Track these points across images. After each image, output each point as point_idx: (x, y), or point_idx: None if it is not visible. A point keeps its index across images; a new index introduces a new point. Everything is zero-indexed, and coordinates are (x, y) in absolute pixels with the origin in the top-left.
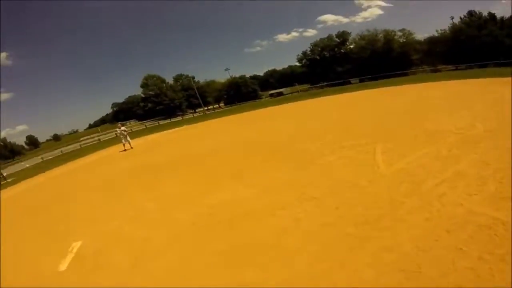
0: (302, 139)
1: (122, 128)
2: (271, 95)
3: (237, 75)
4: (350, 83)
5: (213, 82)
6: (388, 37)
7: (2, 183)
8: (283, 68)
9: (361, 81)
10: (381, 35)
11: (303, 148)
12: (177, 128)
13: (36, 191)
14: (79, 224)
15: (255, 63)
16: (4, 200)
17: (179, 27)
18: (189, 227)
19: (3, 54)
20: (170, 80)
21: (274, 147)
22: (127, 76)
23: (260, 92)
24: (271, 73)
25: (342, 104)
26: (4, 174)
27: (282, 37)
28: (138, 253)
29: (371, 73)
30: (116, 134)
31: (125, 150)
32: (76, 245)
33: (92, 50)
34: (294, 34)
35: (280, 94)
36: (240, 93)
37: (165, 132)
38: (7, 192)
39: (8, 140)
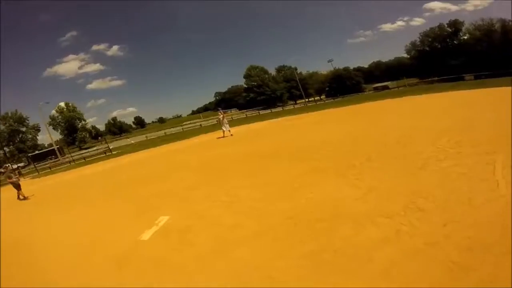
0: (413, 139)
1: (222, 115)
2: (376, 88)
3: (340, 66)
4: (463, 79)
5: (315, 73)
6: (507, 27)
7: (107, 154)
8: (389, 60)
9: (477, 77)
10: (497, 25)
11: (415, 149)
12: (278, 119)
13: (136, 165)
14: (170, 200)
15: (358, 54)
16: (105, 170)
17: (282, 18)
18: (282, 220)
19: (115, 47)
20: (272, 71)
21: (382, 146)
22: (231, 67)
23: (364, 85)
24: (376, 65)
25: (457, 102)
26: (110, 147)
27: (387, 26)
28: (222, 238)
29: (487, 68)
30: (217, 121)
31: (223, 136)
32: (163, 219)
33: (198, 42)
34: (399, 23)
35: (386, 87)
36: (343, 86)
37: (265, 122)
38: (110, 163)
39: (118, 119)
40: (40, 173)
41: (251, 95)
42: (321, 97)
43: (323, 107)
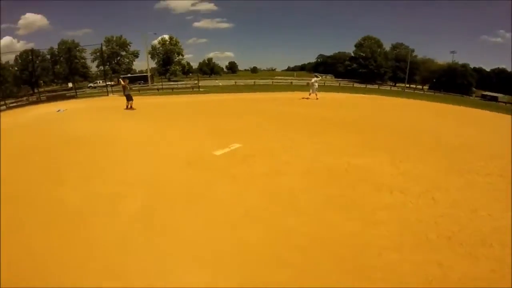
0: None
1: (315, 79)
2: (483, 96)
3: (461, 62)
4: None
5: (430, 61)
6: None
7: (194, 89)
8: None
9: None
10: None
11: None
12: (368, 95)
13: (220, 104)
14: (245, 134)
15: (488, 55)
16: (192, 102)
17: None
18: (321, 171)
19: None
20: (387, 46)
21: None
22: (344, 32)
23: (474, 89)
24: (499, 72)
25: None
26: (199, 84)
27: None
28: (274, 168)
29: None
30: (308, 83)
31: (308, 98)
32: (235, 145)
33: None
34: None
35: (494, 98)
36: (452, 83)
37: (357, 95)
38: (195, 98)
39: (213, 61)
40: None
41: (354, 65)
42: (423, 87)
43: (418, 96)
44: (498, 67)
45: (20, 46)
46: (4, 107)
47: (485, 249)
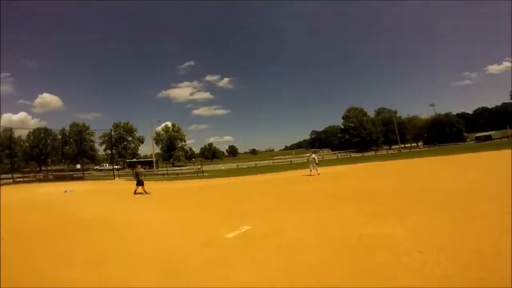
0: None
1: (313, 155)
2: (477, 138)
3: (443, 111)
4: None
5: (415, 118)
6: None
7: (198, 174)
8: (496, 106)
9: None
10: None
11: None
12: (368, 163)
13: (226, 187)
14: (253, 216)
15: (463, 98)
16: (198, 187)
17: (385, 58)
18: (341, 248)
19: (226, 79)
20: (371, 114)
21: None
22: (330, 107)
23: (465, 134)
24: (481, 112)
25: None
26: (202, 169)
27: (493, 68)
28: (286, 247)
29: None
30: (307, 159)
31: (310, 175)
32: (245, 227)
33: (300, 80)
34: (507, 64)
35: (488, 138)
36: (443, 133)
37: (355, 165)
38: (201, 182)
39: (213, 145)
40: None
41: (346, 136)
42: (418, 143)
43: (415, 155)
44: (478, 107)
45: (34, 123)
46: (11, 180)
47: None
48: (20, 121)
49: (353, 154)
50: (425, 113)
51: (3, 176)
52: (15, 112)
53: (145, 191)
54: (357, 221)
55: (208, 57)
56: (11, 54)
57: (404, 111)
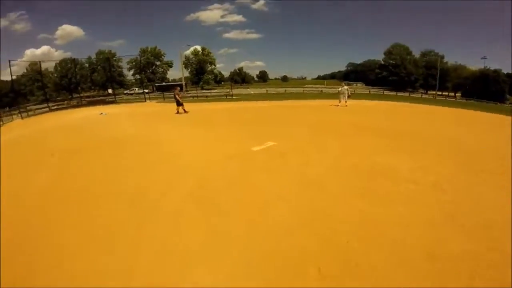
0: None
1: (345, 87)
2: None
3: (494, 67)
4: None
5: (461, 67)
6: None
7: (227, 97)
8: None
9: None
10: None
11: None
12: (398, 102)
13: (254, 110)
14: (278, 135)
15: None
16: (230, 108)
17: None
18: (347, 167)
19: (261, 1)
20: (417, 54)
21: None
22: (372, 40)
23: (508, 96)
24: None
25: None
26: (231, 93)
27: None
28: (305, 161)
29: None
30: (338, 90)
31: (337, 105)
32: (270, 143)
33: (343, 7)
34: None
35: None
36: (486, 89)
37: (385, 102)
38: (230, 105)
39: (244, 70)
40: (165, 99)
41: (384, 73)
42: (456, 94)
43: (449, 104)
44: None
45: (58, 55)
46: (47, 109)
47: (485, 230)
48: (43, 54)
49: (386, 92)
50: (474, 65)
51: (38, 106)
52: (37, 47)
53: (184, 110)
54: (372, 151)
55: None
56: None
57: (452, 58)
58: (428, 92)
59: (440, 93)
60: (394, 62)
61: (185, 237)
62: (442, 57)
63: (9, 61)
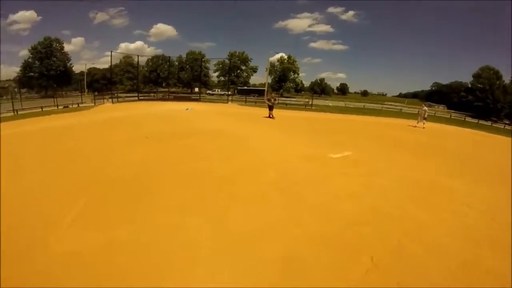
0: None
1: (425, 108)
2: None
3: None
4: None
5: None
6: None
7: (306, 107)
8: None
9: None
10: None
11: None
12: (474, 131)
13: (333, 121)
14: (353, 145)
15: None
16: (309, 118)
17: None
18: (407, 186)
19: (351, 12)
20: (507, 79)
21: None
22: (461, 61)
23: None
24: None
25: None
26: (310, 103)
27: None
28: (373, 170)
29: None
30: (418, 111)
31: (415, 126)
32: (347, 153)
33: (435, 24)
34: None
35: None
36: None
37: (461, 128)
38: (308, 114)
39: (325, 81)
40: (246, 103)
41: (469, 97)
42: None
43: None
44: None
45: (150, 51)
46: (136, 98)
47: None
48: (137, 49)
49: (468, 119)
50: None
51: (127, 94)
52: (132, 41)
53: (272, 116)
54: (434, 172)
55: None
56: None
57: None
58: None
59: None
60: (481, 87)
61: (261, 213)
62: None
63: (111, 52)
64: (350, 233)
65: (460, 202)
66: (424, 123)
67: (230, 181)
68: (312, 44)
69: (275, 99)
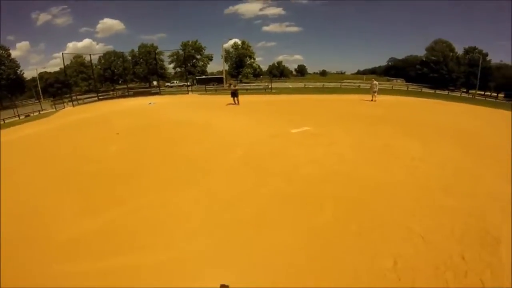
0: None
1: (375, 82)
2: None
3: None
4: None
5: (506, 66)
6: None
7: (266, 90)
8: None
9: None
10: None
11: None
12: (433, 100)
13: (293, 103)
14: (311, 121)
15: None
16: (269, 101)
17: None
18: (364, 150)
19: None
20: (460, 50)
21: None
22: (415, 34)
23: None
24: None
25: None
26: (270, 86)
27: None
28: (332, 141)
29: None
30: (370, 86)
31: (371, 100)
32: (306, 128)
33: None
34: None
35: None
36: None
37: (419, 98)
38: (269, 97)
39: (282, 64)
40: (206, 92)
41: (425, 69)
42: (498, 94)
43: (485, 103)
44: None
45: (99, 48)
46: (96, 98)
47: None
48: (85, 47)
49: (424, 89)
50: None
51: (85, 96)
52: (80, 40)
53: (237, 102)
54: (387, 137)
55: None
56: None
57: (498, 57)
58: (470, 91)
59: (483, 93)
60: (435, 59)
61: (237, 184)
62: (486, 55)
63: (62, 53)
64: (311, 190)
65: (411, 157)
66: (376, 97)
67: (203, 161)
68: (265, 28)
69: (235, 86)
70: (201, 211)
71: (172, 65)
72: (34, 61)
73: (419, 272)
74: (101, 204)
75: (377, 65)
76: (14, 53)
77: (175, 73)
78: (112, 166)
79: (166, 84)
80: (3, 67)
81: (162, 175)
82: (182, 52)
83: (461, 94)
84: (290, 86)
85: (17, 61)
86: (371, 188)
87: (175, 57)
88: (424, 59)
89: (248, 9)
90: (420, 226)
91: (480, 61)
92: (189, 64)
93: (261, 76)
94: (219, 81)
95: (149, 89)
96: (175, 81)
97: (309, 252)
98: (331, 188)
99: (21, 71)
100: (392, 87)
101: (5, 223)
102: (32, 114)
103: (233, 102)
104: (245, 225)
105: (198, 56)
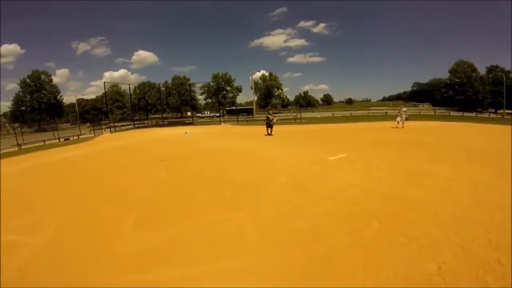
0: None
1: (404, 108)
2: None
3: None
4: None
5: None
6: None
7: (296, 120)
8: None
9: None
10: None
11: None
12: (462, 123)
13: (325, 131)
14: (347, 148)
15: None
16: (301, 130)
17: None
18: (400, 174)
19: (322, 25)
20: (483, 71)
21: None
22: (438, 58)
23: None
24: None
25: None
26: (298, 116)
27: None
28: (367, 169)
29: None
30: (399, 111)
31: (396, 127)
32: (342, 155)
33: (405, 25)
34: None
35: None
36: None
37: (448, 122)
38: (300, 127)
39: (308, 93)
40: (238, 122)
41: (450, 92)
42: None
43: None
44: None
45: (133, 78)
46: (132, 126)
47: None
48: (121, 77)
49: (452, 113)
50: None
51: (121, 123)
52: (116, 70)
53: (270, 133)
54: (419, 161)
55: (301, 2)
56: (101, 18)
57: None
58: (498, 111)
59: (510, 111)
60: (459, 81)
61: (289, 204)
62: (508, 72)
63: (104, 82)
64: (357, 208)
65: (444, 178)
66: (403, 123)
67: (251, 185)
68: (290, 59)
69: (274, 117)
70: (259, 226)
71: (203, 96)
72: (72, 87)
73: (461, 276)
74: (161, 221)
75: (401, 91)
76: (54, 79)
77: (206, 104)
78: (164, 188)
79: (198, 114)
80: (44, 91)
81: (214, 197)
82: (213, 84)
83: (489, 115)
84: (318, 115)
85: (57, 86)
86: (410, 205)
87: (206, 88)
88: (448, 82)
89: (273, 41)
90: (458, 237)
91: (504, 79)
92: (219, 95)
93: (289, 106)
94: (248, 111)
95: (182, 119)
96: (206, 112)
97: (363, 258)
98: (374, 206)
99: (60, 96)
100: (419, 112)
101: (70, 237)
102: (71, 138)
103: (267, 133)
104: (303, 236)
105: (228, 88)
